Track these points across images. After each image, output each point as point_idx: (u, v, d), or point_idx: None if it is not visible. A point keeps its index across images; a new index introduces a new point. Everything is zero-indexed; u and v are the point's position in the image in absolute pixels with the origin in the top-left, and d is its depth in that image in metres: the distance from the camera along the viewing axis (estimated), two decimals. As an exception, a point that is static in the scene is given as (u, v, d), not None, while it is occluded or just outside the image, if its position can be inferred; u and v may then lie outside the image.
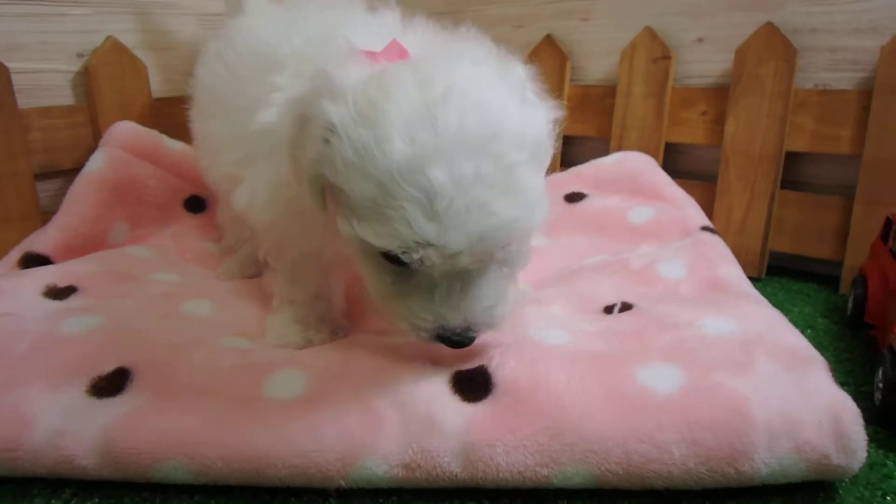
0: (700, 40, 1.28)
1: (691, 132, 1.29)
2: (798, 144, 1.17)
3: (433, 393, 0.71)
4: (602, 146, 1.40)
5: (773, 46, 1.16)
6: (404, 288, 0.69)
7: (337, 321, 0.92)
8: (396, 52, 0.73)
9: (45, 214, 1.18)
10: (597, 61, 1.41)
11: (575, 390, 0.69)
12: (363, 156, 0.61)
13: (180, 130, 1.26)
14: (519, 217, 0.62)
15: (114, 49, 1.28)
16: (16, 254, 1.09)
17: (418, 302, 0.68)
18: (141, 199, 1.22)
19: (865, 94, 1.10)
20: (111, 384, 0.74)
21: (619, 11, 1.36)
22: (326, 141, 0.64)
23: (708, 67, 1.27)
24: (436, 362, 0.75)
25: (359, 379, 0.74)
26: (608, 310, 0.90)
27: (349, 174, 0.63)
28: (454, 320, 0.67)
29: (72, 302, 0.94)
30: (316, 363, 0.77)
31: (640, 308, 0.88)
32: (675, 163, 1.33)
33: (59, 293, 0.95)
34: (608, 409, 0.67)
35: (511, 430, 0.66)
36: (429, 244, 0.61)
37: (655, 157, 1.27)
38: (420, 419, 0.68)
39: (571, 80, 1.44)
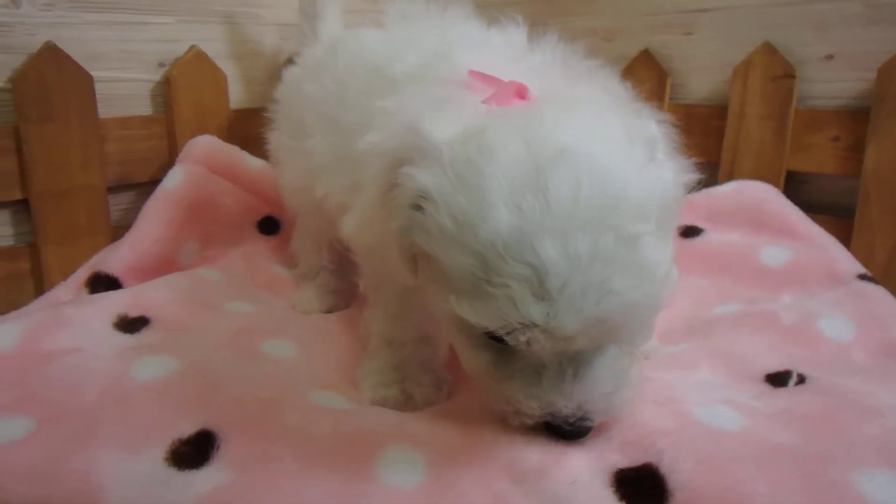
0: (829, 57, 1.05)
1: (819, 160, 1.05)
2: (959, 179, 0.94)
3: (594, 499, 0.51)
4: (708, 171, 1.17)
5: (928, 65, 0.94)
6: (506, 368, 0.56)
7: (440, 372, 0.73)
8: (514, 91, 0.58)
9: (117, 229, 1.03)
10: (701, 78, 1.19)
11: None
12: (462, 225, 0.50)
13: (258, 143, 1.10)
14: (643, 297, 0.50)
15: (195, 58, 1.11)
16: (84, 272, 0.93)
17: (523, 385, 0.55)
18: (215, 218, 1.05)
19: None
20: (194, 451, 0.57)
21: (729, 25, 1.14)
22: (418, 207, 0.53)
23: (839, 87, 1.04)
24: (588, 451, 0.55)
25: (491, 469, 0.54)
26: (774, 380, 0.68)
27: (445, 244, 0.51)
28: (566, 409, 0.55)
29: (144, 337, 0.77)
30: (434, 440, 0.58)
31: (815, 380, 0.66)
32: (797, 193, 1.09)
33: (130, 325, 0.79)
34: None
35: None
36: (537, 326, 0.49)
37: (775, 185, 1.05)
38: (580, 535, 0.49)
39: (671, 99, 1.22)
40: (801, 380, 0.68)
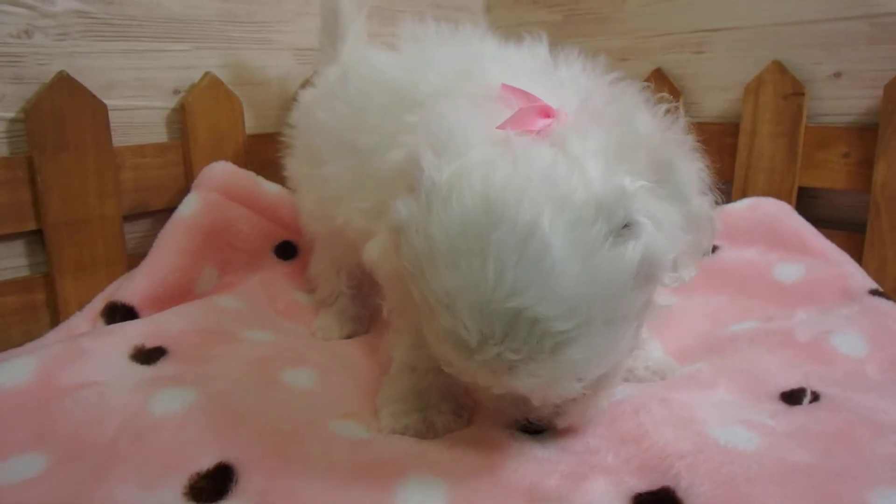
0: (837, 75, 1.08)
1: (830, 175, 1.08)
2: (968, 193, 0.97)
3: (612, 523, 0.53)
4: (721, 188, 1.20)
5: (932, 82, 0.97)
6: None
7: (460, 399, 0.74)
8: (538, 111, 0.56)
9: (132, 258, 1.04)
10: (714, 97, 1.22)
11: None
12: (418, 269, 0.53)
13: (273, 168, 1.12)
14: (555, 384, 0.52)
15: (211, 85, 1.14)
16: (99, 302, 0.96)
17: (493, 398, 0.62)
18: (232, 244, 1.08)
19: None
20: (212, 485, 0.59)
21: (739, 44, 1.17)
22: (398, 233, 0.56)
23: (848, 105, 1.07)
24: (607, 475, 0.57)
25: (511, 496, 0.56)
26: (789, 398, 0.70)
27: (409, 274, 0.55)
28: (520, 416, 0.62)
29: (161, 368, 0.79)
30: (454, 467, 0.60)
31: (830, 397, 0.68)
32: (809, 209, 1.12)
33: (147, 356, 0.81)
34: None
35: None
36: (461, 368, 0.54)
37: (787, 201, 1.07)
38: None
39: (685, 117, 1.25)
40: (816, 397, 0.70)
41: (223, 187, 1.07)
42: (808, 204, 1.13)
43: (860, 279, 0.89)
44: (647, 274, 0.52)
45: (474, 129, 0.56)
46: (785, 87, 1.10)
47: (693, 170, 0.61)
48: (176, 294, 0.98)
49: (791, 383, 0.73)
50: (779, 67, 1.11)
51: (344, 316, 0.99)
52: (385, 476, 0.58)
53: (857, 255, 1.03)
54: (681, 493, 0.54)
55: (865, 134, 1.04)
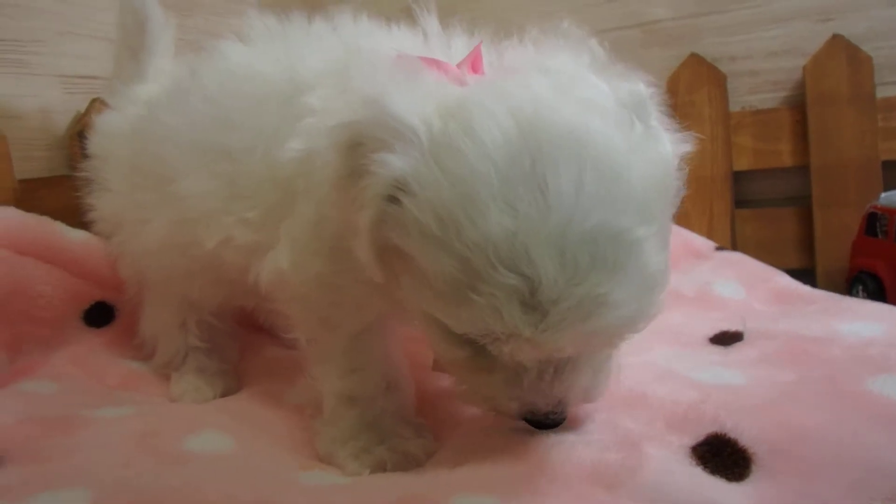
0: (622, 78, 1.22)
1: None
2: (743, 163, 1.15)
3: (692, 480, 0.48)
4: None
5: (702, 74, 1.14)
6: (484, 363, 0.50)
7: (415, 420, 0.63)
8: (470, 64, 0.53)
9: None
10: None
11: (839, 425, 0.51)
12: (446, 224, 0.43)
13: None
14: (640, 308, 0.45)
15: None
16: None
17: (501, 385, 0.51)
18: (28, 314, 0.79)
19: (794, 109, 1.11)
20: None
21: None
22: (394, 199, 0.45)
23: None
24: (648, 440, 0.53)
25: (579, 486, 0.48)
26: (719, 341, 0.73)
27: (425, 244, 0.44)
28: (546, 407, 0.51)
29: (5, 476, 0.53)
30: (500, 477, 0.49)
31: (752, 332, 0.73)
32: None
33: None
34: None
35: (815, 498, 0.46)
36: (523, 338, 0.44)
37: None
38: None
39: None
40: (739, 336, 0.73)
41: (10, 239, 0.79)
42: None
43: (703, 241, 0.99)
44: (669, 197, 0.50)
45: (420, 77, 0.49)
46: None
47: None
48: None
49: (708, 330, 0.76)
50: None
51: (207, 373, 0.79)
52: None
53: (669, 229, 1.16)
54: (732, 434, 0.52)
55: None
